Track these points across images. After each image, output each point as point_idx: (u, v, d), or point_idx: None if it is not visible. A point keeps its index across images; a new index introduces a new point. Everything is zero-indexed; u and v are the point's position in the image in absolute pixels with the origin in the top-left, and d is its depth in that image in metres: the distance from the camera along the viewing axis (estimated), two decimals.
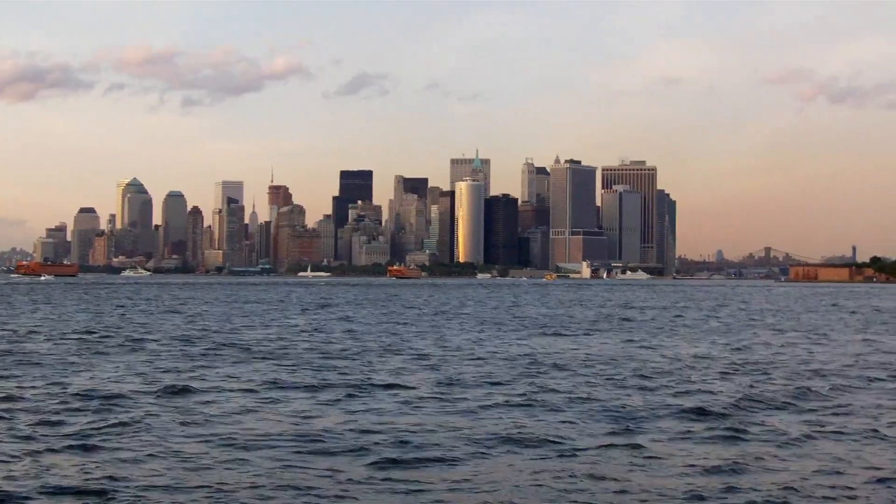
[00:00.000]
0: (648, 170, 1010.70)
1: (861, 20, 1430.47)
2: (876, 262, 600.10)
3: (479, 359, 55.12)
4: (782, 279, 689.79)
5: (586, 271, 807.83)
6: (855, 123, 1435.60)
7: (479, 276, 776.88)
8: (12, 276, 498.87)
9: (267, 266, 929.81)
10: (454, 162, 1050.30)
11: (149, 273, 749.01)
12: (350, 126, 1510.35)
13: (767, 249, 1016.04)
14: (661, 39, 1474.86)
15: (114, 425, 30.49)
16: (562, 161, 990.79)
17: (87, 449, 26.95)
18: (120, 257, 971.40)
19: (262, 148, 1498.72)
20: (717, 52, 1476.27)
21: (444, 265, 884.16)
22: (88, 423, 30.97)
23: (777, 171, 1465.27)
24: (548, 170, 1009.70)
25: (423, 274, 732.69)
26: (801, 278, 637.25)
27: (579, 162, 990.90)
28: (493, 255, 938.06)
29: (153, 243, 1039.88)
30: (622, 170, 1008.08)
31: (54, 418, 31.79)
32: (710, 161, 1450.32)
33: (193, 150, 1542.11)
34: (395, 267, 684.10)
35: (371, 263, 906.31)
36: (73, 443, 27.64)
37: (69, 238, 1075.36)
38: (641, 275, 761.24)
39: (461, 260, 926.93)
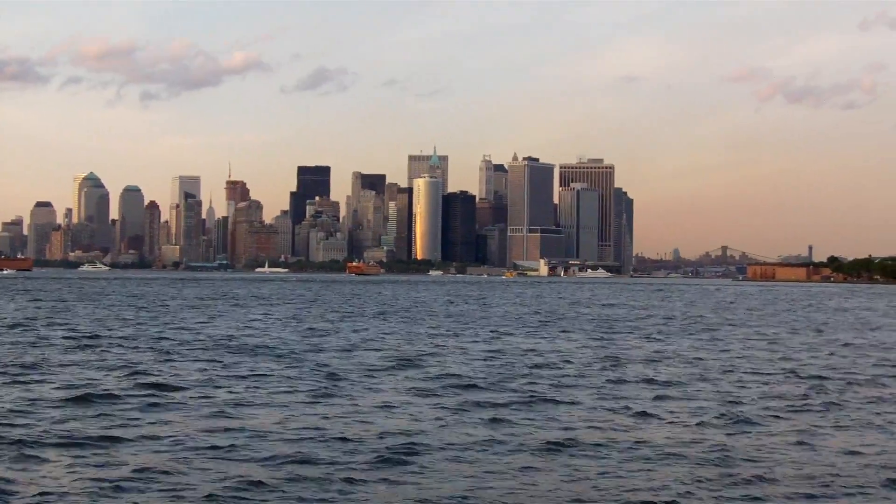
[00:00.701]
0: (606, 168, 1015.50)
1: (818, 20, 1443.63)
2: (833, 261, 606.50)
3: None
4: (740, 278, 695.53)
5: (544, 269, 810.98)
6: (812, 123, 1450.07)
7: (432, 273, 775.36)
8: None
9: (224, 262, 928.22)
10: (412, 158, 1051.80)
11: (108, 268, 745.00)
12: (308, 121, 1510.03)
13: (724, 248, 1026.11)
14: (620, 37, 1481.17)
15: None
16: (520, 158, 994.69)
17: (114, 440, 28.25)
18: (77, 252, 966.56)
19: (220, 143, 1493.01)
20: (676, 51, 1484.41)
21: (402, 262, 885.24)
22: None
23: (734, 170, 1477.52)
24: (506, 167, 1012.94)
25: (382, 271, 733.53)
26: (759, 277, 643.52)
27: (537, 159, 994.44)
28: (451, 252, 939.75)
29: (110, 238, 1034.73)
30: (580, 168, 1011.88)
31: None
32: (667, 159, 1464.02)
33: (151, 144, 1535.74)
34: (354, 264, 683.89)
35: (328, 260, 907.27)
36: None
37: (25, 232, 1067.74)
38: (601, 272, 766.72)
39: (419, 257, 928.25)
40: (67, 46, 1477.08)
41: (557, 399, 38.86)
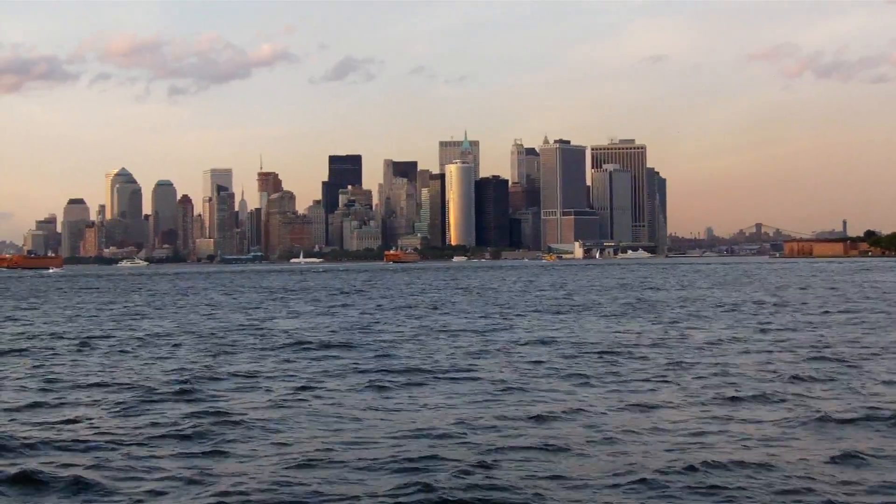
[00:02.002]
0: (637, 148, 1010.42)
1: None
2: (870, 235, 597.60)
3: None
4: (777, 255, 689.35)
5: (579, 251, 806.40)
6: (841, 97, 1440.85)
7: (456, 259, 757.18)
8: None
9: (259, 253, 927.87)
10: (443, 144, 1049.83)
11: (146, 263, 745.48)
12: (338, 111, 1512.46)
13: (758, 226, 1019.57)
14: (646, 17, 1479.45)
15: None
16: (551, 141, 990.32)
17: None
18: (111, 248, 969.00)
19: (250, 135, 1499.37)
20: (701, 30, 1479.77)
21: (436, 248, 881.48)
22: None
23: (765, 147, 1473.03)
24: (537, 150, 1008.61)
25: (419, 258, 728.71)
26: (797, 254, 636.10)
27: (568, 142, 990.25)
28: (485, 237, 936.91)
29: (144, 233, 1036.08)
30: (611, 149, 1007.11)
31: None
32: (697, 138, 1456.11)
33: (181, 138, 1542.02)
34: (391, 252, 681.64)
35: (363, 248, 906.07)
36: None
37: (59, 230, 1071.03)
38: (642, 253, 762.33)
39: (453, 243, 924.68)
40: (94, 43, 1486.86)
41: None
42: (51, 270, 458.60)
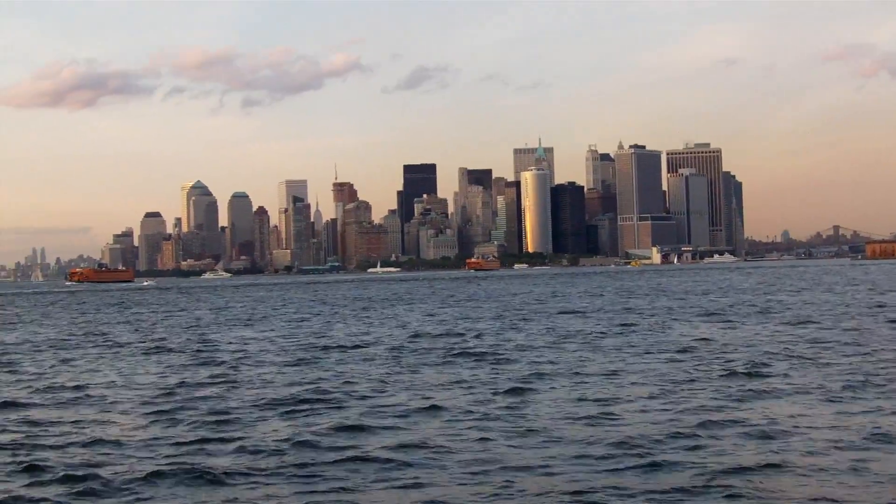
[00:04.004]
0: (713, 152, 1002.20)
1: None
2: None
3: None
4: (859, 257, 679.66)
5: (657, 257, 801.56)
6: None
7: (516, 266, 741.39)
8: (67, 283, 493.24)
9: (336, 263, 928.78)
10: (517, 152, 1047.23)
11: (228, 275, 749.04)
12: (411, 120, 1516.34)
13: (836, 227, 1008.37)
14: (717, 20, 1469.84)
15: None
16: (626, 146, 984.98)
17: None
18: (188, 260, 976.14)
19: (325, 145, 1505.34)
20: (773, 32, 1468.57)
21: (513, 256, 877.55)
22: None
23: (840, 148, 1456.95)
24: (612, 156, 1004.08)
25: (522, 265, 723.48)
26: (879, 255, 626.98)
27: (643, 147, 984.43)
28: (562, 243, 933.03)
29: (220, 245, 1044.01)
30: (686, 153, 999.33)
31: None
32: (771, 141, 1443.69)
33: (256, 150, 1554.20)
34: (473, 260, 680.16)
35: (440, 257, 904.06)
36: None
37: (136, 243, 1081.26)
38: (727, 257, 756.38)
39: (529, 250, 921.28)
40: (168, 57, 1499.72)
41: None
42: (146, 283, 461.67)
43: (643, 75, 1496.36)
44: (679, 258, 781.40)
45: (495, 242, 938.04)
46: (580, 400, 34.70)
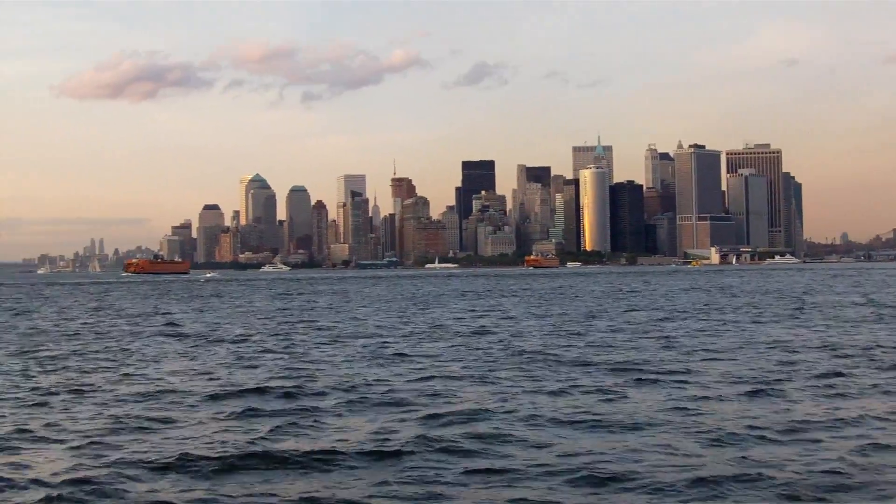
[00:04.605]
0: (773, 153, 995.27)
1: None
2: None
3: None
4: None
5: (715, 257, 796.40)
6: None
7: (570, 265, 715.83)
8: (123, 275, 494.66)
9: (394, 259, 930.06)
10: (576, 149, 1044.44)
11: (288, 269, 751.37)
12: (470, 116, 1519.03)
13: (895, 230, 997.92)
14: (779, 20, 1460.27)
15: None
16: (685, 146, 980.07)
17: None
18: (246, 253, 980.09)
19: (383, 141, 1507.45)
20: (836, 32, 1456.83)
21: (571, 254, 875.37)
22: None
23: None
24: (671, 155, 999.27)
25: (576, 264, 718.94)
26: None
27: (703, 146, 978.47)
28: (620, 242, 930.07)
29: (278, 238, 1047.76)
30: (746, 153, 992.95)
31: None
32: (832, 141, 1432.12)
33: (314, 144, 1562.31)
34: (532, 257, 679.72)
35: (497, 254, 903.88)
36: None
37: (194, 235, 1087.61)
38: (789, 258, 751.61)
39: (587, 248, 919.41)
40: (228, 50, 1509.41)
41: None
42: (209, 275, 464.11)
43: (703, 74, 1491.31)
44: (737, 259, 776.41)
45: (553, 240, 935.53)
46: None
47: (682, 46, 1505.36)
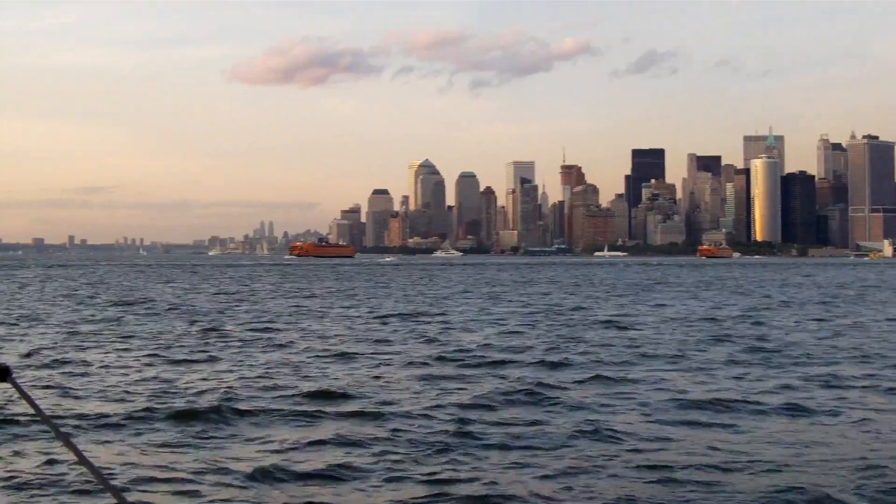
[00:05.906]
0: None
1: None
2: None
3: None
4: None
5: (888, 249, 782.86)
6: None
7: (752, 256, 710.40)
8: (286, 257, 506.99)
9: (562, 246, 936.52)
10: (747, 139, 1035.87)
11: (460, 254, 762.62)
12: (640, 104, 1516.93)
13: None
14: None
15: None
16: (858, 136, 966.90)
17: None
18: (415, 238, 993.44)
19: (552, 128, 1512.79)
20: None
21: (741, 244, 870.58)
22: None
23: None
24: (844, 146, 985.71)
25: (733, 254, 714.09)
26: None
27: (877, 137, 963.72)
28: (791, 233, 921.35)
29: (447, 224, 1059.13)
30: None
31: None
32: None
33: (483, 130, 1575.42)
34: (704, 246, 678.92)
35: (667, 243, 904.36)
36: None
37: (363, 219, 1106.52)
38: None
39: (758, 238, 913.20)
40: (398, 37, 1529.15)
41: None
42: (388, 258, 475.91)
43: (876, 64, 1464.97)
44: None
45: (723, 230, 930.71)
46: None
47: (855, 36, 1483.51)
